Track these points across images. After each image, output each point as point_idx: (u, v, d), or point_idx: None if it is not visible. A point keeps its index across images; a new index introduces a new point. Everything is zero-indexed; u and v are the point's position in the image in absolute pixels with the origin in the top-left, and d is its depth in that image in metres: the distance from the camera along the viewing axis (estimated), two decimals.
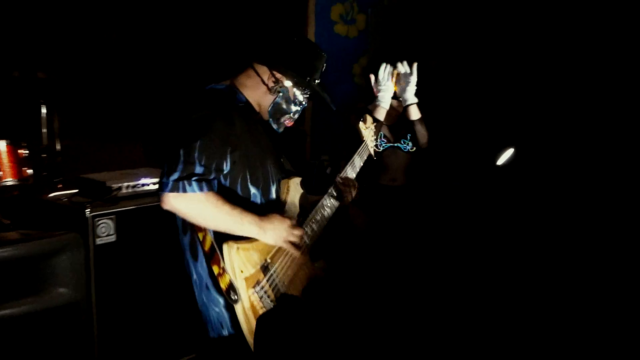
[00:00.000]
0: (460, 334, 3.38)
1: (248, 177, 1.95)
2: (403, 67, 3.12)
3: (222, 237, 1.87)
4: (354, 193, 2.27)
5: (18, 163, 3.89)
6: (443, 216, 3.65)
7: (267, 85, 2.03)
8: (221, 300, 1.94)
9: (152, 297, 2.93)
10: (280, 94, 2.04)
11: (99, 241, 2.76)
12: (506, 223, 4.05)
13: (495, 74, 4.48)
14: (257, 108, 2.08)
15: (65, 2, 4.89)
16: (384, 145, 3.37)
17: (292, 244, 1.96)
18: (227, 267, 1.82)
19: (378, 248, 3.36)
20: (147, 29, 5.07)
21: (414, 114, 3.18)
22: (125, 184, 2.92)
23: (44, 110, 4.19)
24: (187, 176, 1.78)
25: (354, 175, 2.37)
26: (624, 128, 3.90)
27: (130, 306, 2.87)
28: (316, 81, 2.10)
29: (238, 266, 1.83)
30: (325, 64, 2.15)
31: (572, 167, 4.04)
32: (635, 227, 3.73)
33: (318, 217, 2.13)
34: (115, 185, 2.88)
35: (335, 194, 2.24)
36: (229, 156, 1.88)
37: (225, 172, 1.90)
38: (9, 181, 3.82)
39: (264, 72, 2.04)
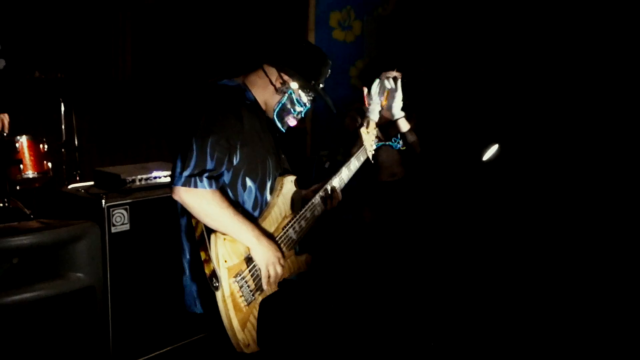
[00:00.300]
0: (457, 322, 3.37)
1: (247, 170, 1.93)
2: (389, 84, 3.09)
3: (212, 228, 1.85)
4: (334, 203, 2.23)
5: (39, 157, 3.87)
6: (443, 207, 3.63)
7: (274, 85, 2.02)
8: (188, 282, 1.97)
9: (163, 281, 2.91)
10: (287, 95, 2.02)
11: (114, 230, 2.74)
12: (500, 217, 4.04)
13: (485, 75, 4.46)
14: (263, 107, 2.06)
15: (82, 9, 4.85)
16: (376, 144, 3.34)
17: (269, 274, 1.92)
18: (212, 255, 1.80)
19: (385, 242, 3.35)
20: (163, 30, 5.04)
21: (403, 126, 3.17)
22: (139, 176, 2.90)
23: (62, 108, 4.17)
24: (200, 172, 1.77)
25: (349, 176, 2.35)
26: (616, 124, 3.87)
27: (143, 290, 2.86)
28: (320, 85, 2.09)
29: (222, 256, 1.81)
30: (330, 70, 2.14)
31: (563, 162, 4.02)
32: (628, 222, 3.70)
33: (308, 215, 2.11)
34: (129, 178, 2.86)
35: (325, 196, 2.21)
36: (239, 150, 1.87)
37: (235, 164, 1.88)
38: (30, 174, 3.82)
39: (273, 73, 2.03)
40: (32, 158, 3.84)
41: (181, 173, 1.78)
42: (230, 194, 1.92)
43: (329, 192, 2.19)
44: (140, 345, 2.86)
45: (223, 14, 5.08)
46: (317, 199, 2.15)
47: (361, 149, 2.46)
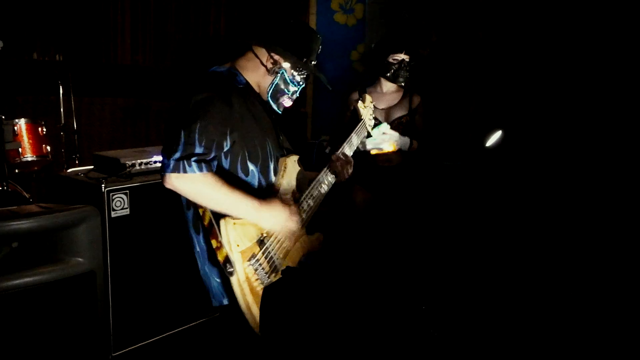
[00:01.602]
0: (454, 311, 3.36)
1: (247, 155, 1.91)
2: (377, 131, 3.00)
3: (220, 214, 1.84)
4: (349, 170, 2.24)
5: (37, 140, 3.85)
6: (436, 196, 3.60)
7: (265, 66, 1.99)
8: (217, 272, 1.93)
9: (163, 266, 2.90)
10: (279, 75, 2.00)
11: (113, 214, 2.73)
12: (499, 206, 4.02)
13: (490, 60, 4.42)
14: (257, 89, 2.04)
15: None
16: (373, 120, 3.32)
17: (290, 231, 1.93)
18: (224, 241, 1.79)
19: (377, 226, 3.33)
20: (163, 13, 4.98)
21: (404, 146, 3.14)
22: (139, 160, 2.87)
23: (61, 91, 4.14)
24: (187, 156, 1.75)
25: (351, 153, 2.34)
26: (618, 120, 3.84)
27: (143, 275, 2.85)
28: (312, 62, 2.05)
29: (234, 240, 1.80)
30: (320, 46, 2.10)
31: (564, 157, 4.00)
32: (627, 220, 3.68)
33: (315, 193, 2.10)
34: (129, 162, 2.84)
35: (331, 170, 2.20)
36: (228, 136, 1.85)
37: (225, 149, 1.86)
38: (29, 157, 3.80)
39: (263, 54, 1.99)
40: (30, 141, 3.82)
41: (169, 159, 1.76)
42: (232, 181, 1.90)
43: (339, 163, 2.17)
44: (141, 329, 2.86)
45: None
46: (322, 176, 2.14)
47: (360, 123, 2.45)
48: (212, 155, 1.82)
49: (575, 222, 3.81)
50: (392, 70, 3.23)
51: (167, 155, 1.77)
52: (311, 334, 1.77)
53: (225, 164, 1.90)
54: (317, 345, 1.96)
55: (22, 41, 4.71)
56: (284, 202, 1.94)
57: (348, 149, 2.31)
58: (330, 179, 2.20)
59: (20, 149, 3.74)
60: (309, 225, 2.12)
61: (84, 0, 4.79)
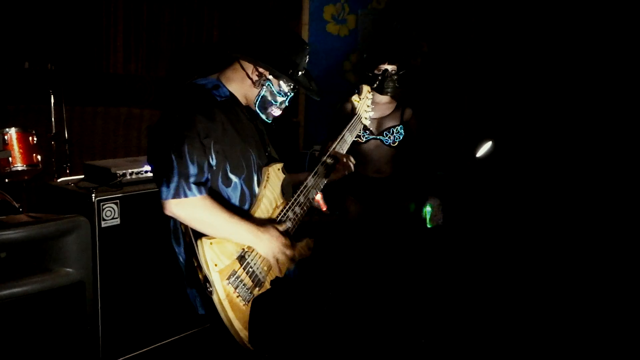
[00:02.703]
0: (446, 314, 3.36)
1: (228, 167, 1.89)
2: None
3: (199, 233, 1.82)
4: (351, 165, 2.19)
5: (28, 149, 3.83)
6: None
7: (251, 78, 1.97)
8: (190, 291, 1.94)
9: (153, 276, 2.89)
10: (265, 87, 1.98)
11: (104, 224, 2.71)
12: (491, 214, 4.03)
13: (480, 68, 4.45)
14: (243, 100, 2.02)
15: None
16: (367, 137, 3.32)
17: (279, 261, 1.91)
18: (201, 261, 1.76)
19: (369, 236, 3.32)
20: (156, 23, 4.98)
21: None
22: (130, 170, 2.87)
23: (52, 100, 4.12)
24: (185, 181, 1.74)
25: (345, 149, 2.28)
26: (613, 121, 3.86)
27: (133, 285, 2.83)
28: (300, 72, 2.03)
29: (211, 260, 1.77)
30: (307, 56, 2.07)
31: (559, 160, 4.01)
32: (627, 220, 3.68)
33: (302, 200, 2.06)
34: (119, 172, 2.83)
35: (323, 171, 2.15)
36: (212, 151, 1.83)
37: (213, 165, 1.85)
38: (19, 166, 3.77)
39: (248, 66, 1.98)
40: (21, 150, 3.79)
41: (168, 186, 1.74)
42: (213, 192, 1.88)
43: (329, 166, 2.14)
44: (131, 341, 2.84)
45: (218, 6, 5.03)
46: (310, 181, 2.10)
47: (354, 119, 2.39)
48: (205, 175, 1.80)
49: (569, 227, 3.82)
50: (378, 82, 3.23)
51: (165, 182, 1.74)
52: (300, 343, 1.76)
53: (208, 176, 1.88)
54: (307, 355, 1.95)
55: (13, 50, 4.69)
56: (281, 232, 1.93)
57: (340, 148, 2.26)
58: (321, 182, 2.14)
59: (10, 158, 3.71)
60: (297, 232, 2.09)
61: (77, 9, 4.78)
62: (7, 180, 3.82)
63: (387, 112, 3.35)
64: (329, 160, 2.18)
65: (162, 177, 1.76)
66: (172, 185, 1.73)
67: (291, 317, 1.78)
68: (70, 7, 4.77)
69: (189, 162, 1.74)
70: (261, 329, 1.74)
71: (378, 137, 3.31)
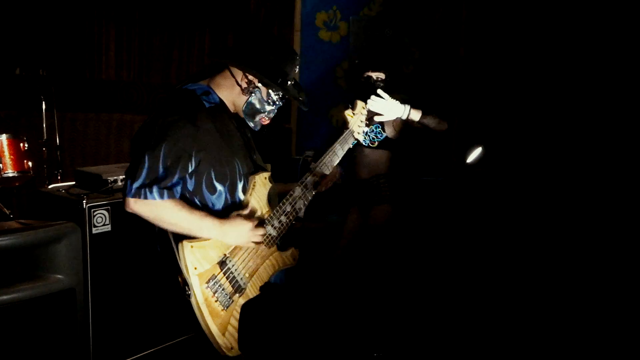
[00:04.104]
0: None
1: (213, 175, 1.89)
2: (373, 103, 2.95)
3: (180, 236, 1.83)
4: (329, 182, 2.20)
5: (19, 156, 3.80)
6: (418, 210, 3.61)
7: (240, 86, 1.97)
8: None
9: (144, 283, 2.87)
10: (253, 95, 1.98)
11: (95, 231, 2.69)
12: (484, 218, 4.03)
13: (473, 74, 4.46)
14: (232, 108, 2.02)
15: (65, 5, 4.78)
16: (379, 138, 3.29)
17: (256, 244, 1.92)
18: (181, 264, 1.78)
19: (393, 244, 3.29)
20: (148, 29, 4.99)
21: (414, 116, 2.99)
22: (121, 176, 2.84)
23: (44, 106, 4.11)
24: (150, 183, 1.74)
25: (335, 162, 2.28)
26: (610, 123, 3.87)
27: (124, 292, 2.81)
28: (289, 82, 2.03)
29: (191, 263, 1.79)
30: (297, 66, 2.07)
31: (557, 162, 4.01)
32: (626, 222, 3.69)
33: (288, 209, 2.06)
34: (111, 178, 2.81)
35: (311, 182, 2.15)
36: (193, 157, 1.83)
37: (190, 171, 1.85)
38: (10, 173, 3.75)
39: (238, 73, 1.98)
40: (12, 157, 3.77)
41: (132, 184, 1.75)
42: (197, 200, 1.89)
43: (318, 177, 2.15)
44: (121, 348, 2.81)
45: (208, 13, 5.03)
46: (297, 190, 2.10)
47: (346, 132, 2.39)
48: (176, 179, 1.80)
49: (564, 228, 3.83)
50: (364, 89, 3.18)
51: (130, 179, 1.76)
52: (290, 349, 1.76)
53: (190, 184, 1.88)
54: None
55: (5, 56, 4.68)
56: (246, 217, 1.92)
57: (330, 159, 2.26)
58: (307, 193, 2.14)
59: (1, 165, 3.69)
60: (283, 241, 2.09)
61: (69, 15, 4.77)
62: None
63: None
64: (316, 171, 2.18)
65: (130, 173, 1.78)
66: (136, 185, 1.74)
67: (281, 323, 1.78)
68: (62, 13, 4.77)
69: (161, 166, 1.75)
70: (251, 335, 1.74)
71: (359, 141, 3.26)
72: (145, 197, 1.73)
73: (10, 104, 4.57)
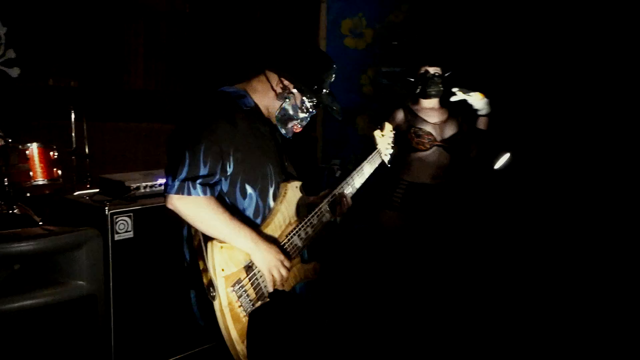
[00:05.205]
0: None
1: (246, 177, 1.87)
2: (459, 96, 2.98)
3: (209, 236, 1.80)
4: (343, 209, 2.13)
5: (48, 164, 3.86)
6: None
7: (275, 90, 1.95)
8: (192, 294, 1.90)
9: (167, 291, 2.84)
10: (287, 100, 1.95)
11: (117, 237, 2.68)
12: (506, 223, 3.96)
13: (496, 81, 4.36)
14: (265, 113, 2.00)
15: (95, 17, 4.87)
16: (431, 143, 3.15)
17: (274, 278, 1.86)
18: (209, 264, 1.74)
19: (407, 246, 3.18)
20: (175, 39, 5.04)
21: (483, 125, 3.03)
22: (143, 183, 2.85)
23: (73, 116, 4.17)
24: (192, 178, 1.73)
25: (361, 183, 2.25)
26: (618, 127, 3.78)
27: (147, 299, 2.79)
28: (324, 90, 2.00)
29: (219, 264, 1.75)
30: (334, 75, 2.04)
31: (566, 168, 3.94)
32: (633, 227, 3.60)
33: (315, 221, 2.03)
34: (133, 185, 2.81)
35: (330, 203, 2.11)
36: (232, 157, 1.81)
37: (229, 172, 1.83)
38: (40, 181, 3.81)
39: (273, 78, 1.96)
40: (42, 165, 3.84)
41: (174, 180, 1.74)
42: (229, 202, 1.86)
43: (338, 198, 2.11)
44: (144, 355, 2.79)
45: (236, 23, 5.06)
46: (325, 205, 2.06)
47: (374, 152, 2.36)
48: (216, 178, 1.79)
49: (573, 230, 3.73)
50: (420, 85, 3.11)
51: (171, 176, 1.75)
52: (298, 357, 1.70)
53: (225, 186, 1.86)
54: None
55: (38, 68, 4.78)
56: (281, 248, 1.89)
57: (358, 178, 2.23)
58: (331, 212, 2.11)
59: (31, 173, 3.74)
60: (308, 253, 2.06)
61: (99, 28, 4.86)
62: (28, 194, 3.86)
63: (444, 118, 3.19)
64: (336, 195, 2.13)
65: (171, 171, 1.76)
66: (178, 181, 1.73)
67: (290, 331, 1.72)
68: (93, 25, 4.85)
69: (201, 163, 1.74)
70: (259, 343, 1.68)
71: (442, 144, 3.15)
72: (189, 193, 1.72)
73: (43, 114, 4.66)
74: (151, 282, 2.80)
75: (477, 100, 3.00)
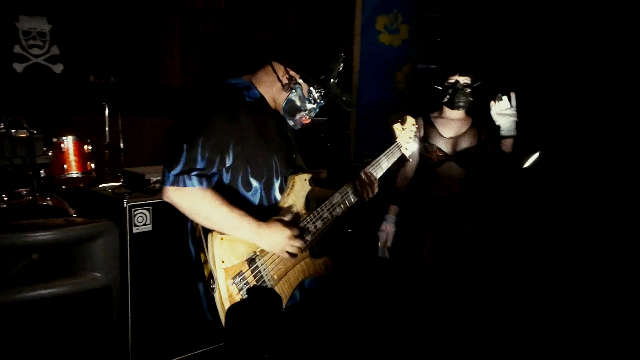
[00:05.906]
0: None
1: (249, 170, 1.81)
2: (503, 102, 2.73)
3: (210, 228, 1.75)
4: (372, 191, 2.08)
5: (83, 157, 3.95)
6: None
7: (281, 81, 1.89)
8: (200, 287, 1.84)
9: (185, 285, 2.81)
10: (294, 91, 1.89)
11: (135, 230, 2.68)
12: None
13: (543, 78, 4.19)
14: (272, 104, 1.94)
15: (134, 15, 4.95)
16: (440, 158, 2.96)
17: (289, 254, 1.81)
18: (209, 256, 1.70)
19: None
20: (211, 36, 5.07)
21: (507, 147, 2.79)
22: None
23: (107, 111, 4.25)
24: (188, 170, 1.69)
25: (379, 175, 2.16)
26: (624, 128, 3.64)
27: (164, 293, 2.78)
28: (332, 80, 1.92)
29: (219, 256, 1.70)
30: (342, 64, 1.96)
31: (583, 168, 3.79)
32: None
33: (325, 215, 1.95)
34: (154, 178, 2.80)
35: (352, 191, 2.05)
36: (231, 150, 1.76)
37: (227, 165, 1.78)
38: (74, 173, 3.89)
39: (280, 69, 1.90)
40: (76, 158, 3.92)
41: (170, 172, 1.70)
42: (233, 195, 1.81)
43: (365, 180, 2.04)
44: (160, 349, 2.78)
45: (271, 20, 5.04)
46: (337, 197, 1.99)
47: (393, 146, 2.28)
48: (214, 170, 1.75)
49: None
50: (448, 95, 2.88)
51: (168, 168, 1.72)
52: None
53: (226, 178, 1.81)
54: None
55: (80, 64, 4.90)
56: (286, 223, 1.82)
57: (374, 172, 2.14)
58: (351, 199, 2.04)
59: (65, 165, 3.83)
60: (318, 247, 1.98)
61: (138, 25, 4.93)
62: (63, 187, 3.95)
63: (462, 130, 2.95)
64: (357, 181, 2.08)
65: (168, 162, 1.72)
66: (174, 173, 1.69)
67: (267, 328, 1.65)
68: (132, 23, 4.93)
69: (199, 156, 1.70)
70: (235, 341, 1.62)
71: (452, 159, 2.94)
72: (185, 185, 1.68)
73: (82, 109, 4.77)
74: (169, 276, 2.78)
75: (504, 118, 2.74)
